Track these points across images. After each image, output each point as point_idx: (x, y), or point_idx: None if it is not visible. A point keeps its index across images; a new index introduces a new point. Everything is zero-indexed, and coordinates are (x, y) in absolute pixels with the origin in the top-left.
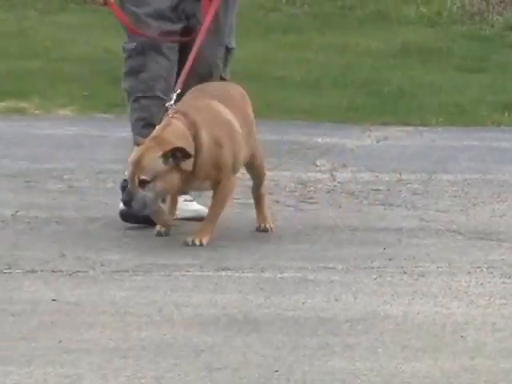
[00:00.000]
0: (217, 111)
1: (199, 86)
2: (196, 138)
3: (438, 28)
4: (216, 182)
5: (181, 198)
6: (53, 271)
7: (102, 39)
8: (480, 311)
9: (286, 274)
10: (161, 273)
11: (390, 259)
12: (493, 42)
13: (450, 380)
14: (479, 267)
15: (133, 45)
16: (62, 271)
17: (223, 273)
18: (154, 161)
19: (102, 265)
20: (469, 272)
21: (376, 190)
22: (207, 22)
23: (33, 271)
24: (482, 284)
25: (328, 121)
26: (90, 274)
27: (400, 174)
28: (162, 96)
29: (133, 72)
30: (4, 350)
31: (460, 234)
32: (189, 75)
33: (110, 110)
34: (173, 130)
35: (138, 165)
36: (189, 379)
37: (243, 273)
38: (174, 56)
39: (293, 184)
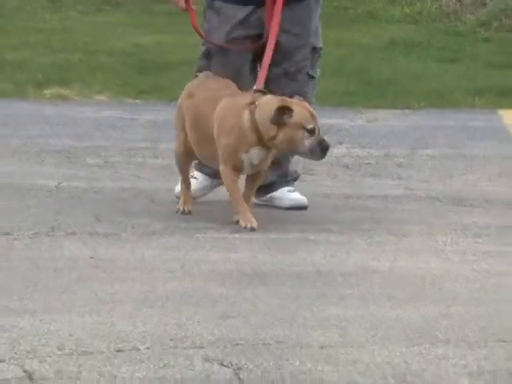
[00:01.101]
0: None
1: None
2: None
3: (419, 25)
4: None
5: (284, 189)
6: (90, 233)
7: (132, 35)
8: (455, 266)
9: (289, 235)
10: (183, 234)
11: (378, 222)
12: (466, 36)
13: (429, 325)
14: (454, 229)
15: (203, 48)
16: (98, 233)
17: (236, 235)
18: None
19: (133, 228)
20: (445, 233)
21: (367, 163)
22: (274, 28)
23: (73, 233)
24: (456, 243)
25: (327, 104)
26: (123, 236)
27: (387, 150)
28: None
29: (201, 70)
30: (48, 301)
31: (438, 200)
32: (278, 74)
33: (139, 96)
34: None
35: (316, 118)
36: (206, 325)
37: (253, 234)
38: (242, 61)
39: (296, 158)
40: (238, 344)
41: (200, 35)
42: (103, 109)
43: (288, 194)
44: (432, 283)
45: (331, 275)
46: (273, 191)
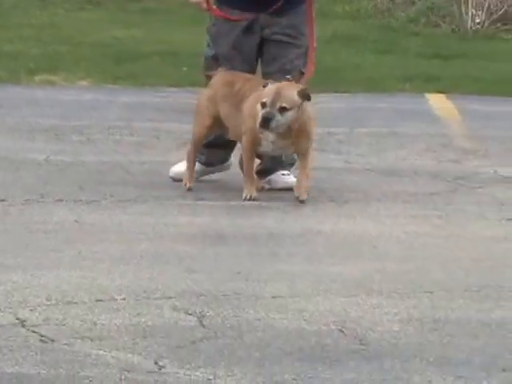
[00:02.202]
0: None
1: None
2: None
3: (357, 21)
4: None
5: (279, 172)
6: (75, 200)
7: (110, 30)
8: (387, 228)
9: (246, 203)
10: (154, 202)
11: (321, 191)
12: (398, 31)
13: (365, 278)
14: (387, 196)
15: (211, 52)
16: (81, 200)
17: (200, 202)
18: (293, 94)
19: (111, 196)
20: (379, 199)
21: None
22: (311, 32)
23: (60, 200)
24: (389, 208)
25: None
26: (102, 203)
27: (330, 128)
28: None
29: (209, 69)
30: (38, 258)
31: (373, 171)
32: (274, 70)
33: (116, 82)
34: (297, 86)
35: (280, 94)
36: (174, 279)
37: (215, 202)
38: (247, 67)
39: None
40: (201, 295)
41: (224, 17)
42: (85, 93)
43: (282, 177)
44: (368, 243)
45: (281, 237)
46: (270, 174)
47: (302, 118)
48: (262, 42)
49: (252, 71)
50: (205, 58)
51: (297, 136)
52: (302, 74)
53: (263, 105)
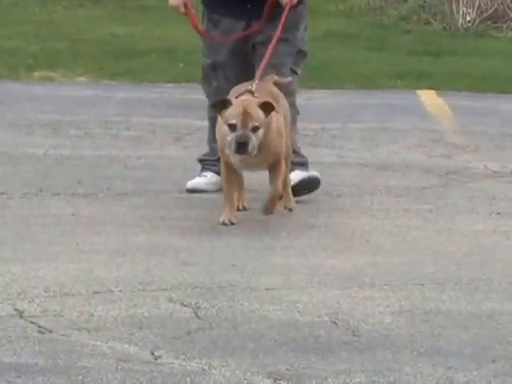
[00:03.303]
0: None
1: (260, 84)
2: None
3: (350, 19)
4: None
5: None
6: (72, 194)
7: (109, 27)
8: (380, 222)
9: None
10: (150, 195)
11: None
12: (389, 29)
13: (358, 272)
14: (379, 190)
15: (209, 61)
16: (79, 194)
17: (195, 195)
18: (258, 111)
19: (108, 189)
20: (372, 193)
21: (306, 135)
22: (276, 37)
23: (58, 194)
24: (381, 202)
25: None
26: (100, 196)
27: (323, 124)
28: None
29: (206, 80)
30: (36, 251)
31: (366, 166)
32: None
33: (113, 78)
34: (258, 101)
35: (249, 114)
36: (170, 271)
37: (210, 195)
38: (243, 73)
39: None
40: (196, 287)
41: (200, 33)
42: (84, 89)
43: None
44: (361, 236)
45: (276, 230)
46: None
47: (267, 132)
48: (254, 46)
49: (248, 78)
50: (203, 62)
51: (264, 150)
52: (294, 72)
53: (232, 127)
